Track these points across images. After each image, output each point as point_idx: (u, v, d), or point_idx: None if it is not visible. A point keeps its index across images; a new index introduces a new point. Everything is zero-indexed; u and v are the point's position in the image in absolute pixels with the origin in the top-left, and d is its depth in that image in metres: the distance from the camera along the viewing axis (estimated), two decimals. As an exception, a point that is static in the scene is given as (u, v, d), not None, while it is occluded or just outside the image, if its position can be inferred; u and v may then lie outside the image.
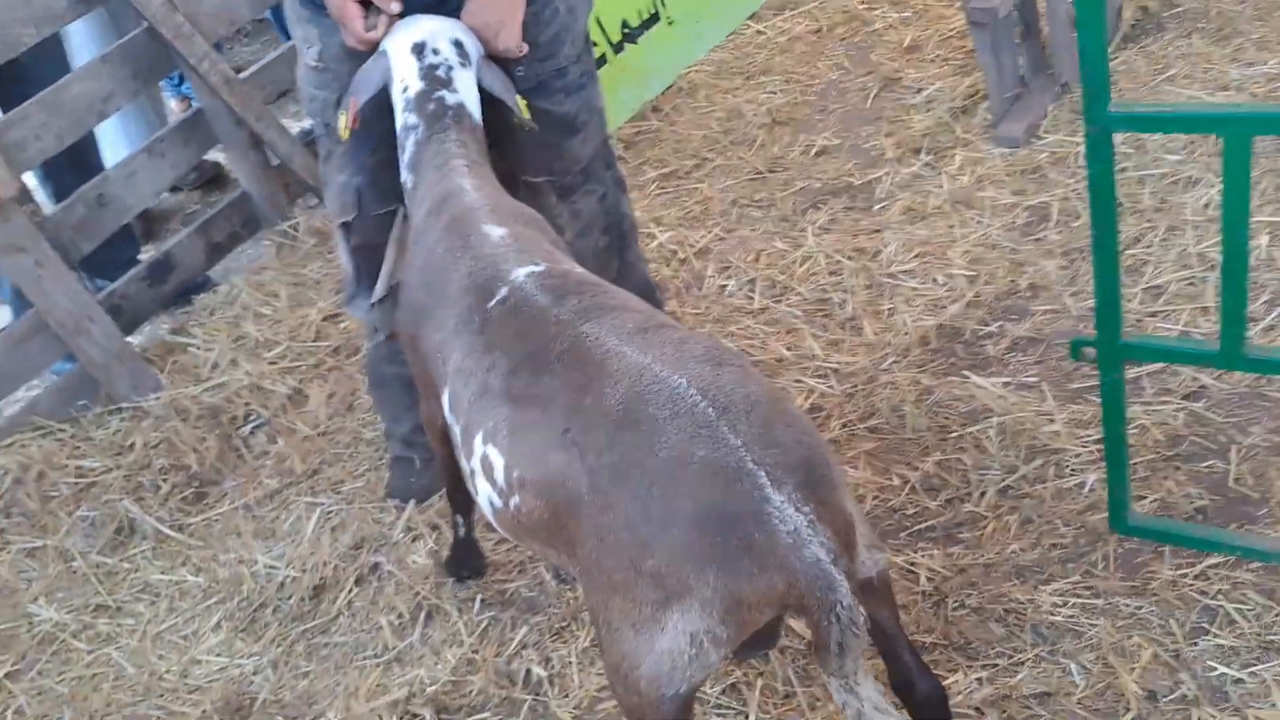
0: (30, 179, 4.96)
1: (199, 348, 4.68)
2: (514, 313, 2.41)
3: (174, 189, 6.10)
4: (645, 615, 2.01)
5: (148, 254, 5.16)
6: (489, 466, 2.33)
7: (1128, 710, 2.65)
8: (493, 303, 2.46)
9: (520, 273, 2.48)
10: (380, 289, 3.42)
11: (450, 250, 2.65)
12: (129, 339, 4.61)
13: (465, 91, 2.99)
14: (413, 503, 3.77)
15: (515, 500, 2.28)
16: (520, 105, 3.08)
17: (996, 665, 2.82)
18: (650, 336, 2.21)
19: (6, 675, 3.55)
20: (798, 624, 2.92)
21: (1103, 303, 2.62)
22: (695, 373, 2.06)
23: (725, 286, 4.38)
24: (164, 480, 4.09)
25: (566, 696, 3.07)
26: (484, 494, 2.39)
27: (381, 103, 3.06)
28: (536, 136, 3.22)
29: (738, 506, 1.92)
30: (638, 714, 2.12)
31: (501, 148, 3.42)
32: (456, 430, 2.49)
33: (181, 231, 5.06)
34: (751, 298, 4.29)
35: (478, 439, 2.36)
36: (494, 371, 2.35)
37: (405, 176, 3.01)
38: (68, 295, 4.26)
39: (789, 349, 3.99)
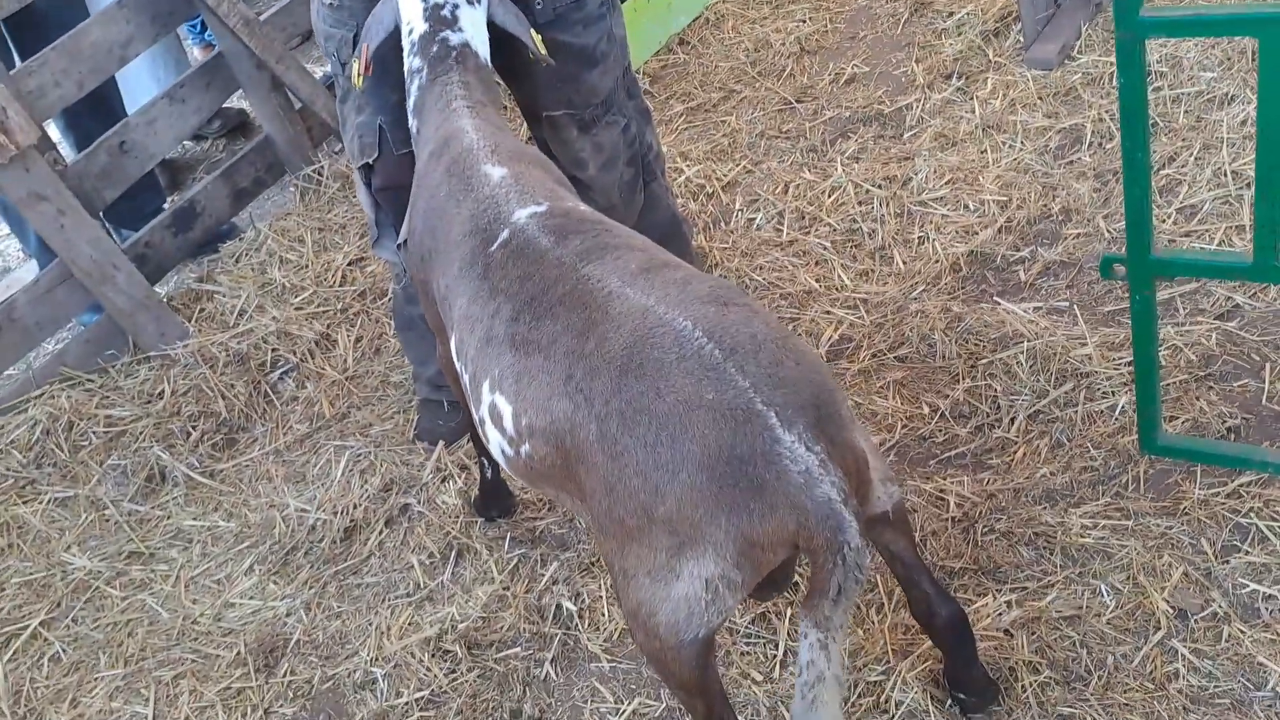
0: (54, 133, 5.03)
1: (225, 295, 4.75)
2: (516, 256, 2.40)
3: (198, 138, 6.15)
4: (660, 562, 2.03)
5: (172, 204, 5.22)
6: (498, 415, 2.34)
7: (1158, 629, 2.68)
8: (495, 246, 2.46)
9: (522, 214, 2.48)
10: (406, 230, 3.45)
11: (452, 193, 2.65)
12: (155, 288, 4.67)
13: (471, 30, 2.98)
14: (441, 444, 3.82)
15: (526, 448, 2.30)
16: (536, 40, 3.07)
17: (1026, 588, 2.85)
18: (653, 277, 2.20)
19: (41, 623, 3.65)
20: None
21: (1133, 216, 2.60)
22: (700, 314, 2.06)
23: (753, 220, 4.39)
24: (193, 427, 4.17)
25: (597, 630, 3.13)
26: (495, 442, 2.41)
27: (400, 42, 3.07)
28: (554, 70, 3.23)
29: (748, 448, 1.92)
30: (659, 658, 2.16)
31: (519, 83, 3.44)
32: (465, 378, 2.51)
33: (205, 178, 5.11)
34: (780, 230, 4.29)
35: (485, 387, 2.37)
36: (498, 318, 2.35)
37: (411, 121, 3.03)
38: (92, 244, 4.32)
39: (818, 281, 4.00)
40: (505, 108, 5.32)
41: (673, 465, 1.96)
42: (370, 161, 3.41)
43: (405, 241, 2.96)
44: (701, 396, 1.95)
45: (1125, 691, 2.60)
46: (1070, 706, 2.60)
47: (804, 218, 4.32)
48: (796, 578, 2.91)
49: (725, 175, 4.66)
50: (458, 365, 2.56)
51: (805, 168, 4.56)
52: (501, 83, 3.37)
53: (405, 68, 3.03)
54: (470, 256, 2.50)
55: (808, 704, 2.04)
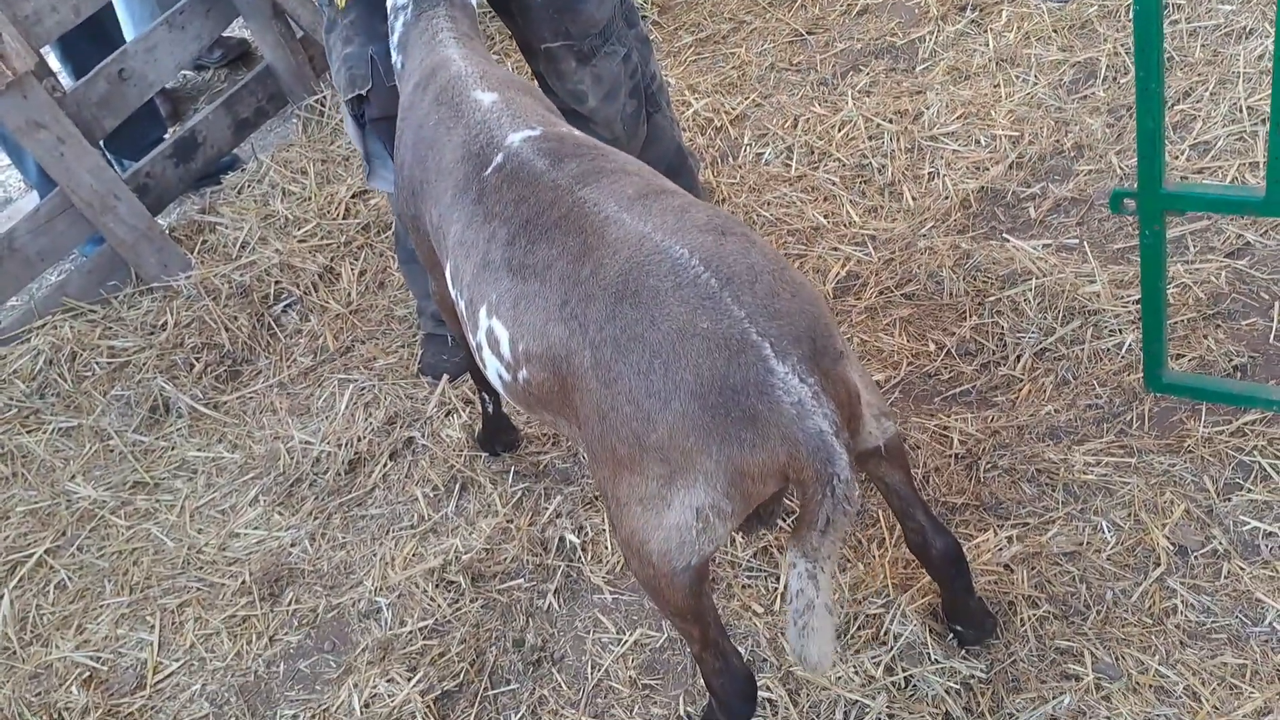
0: (54, 63, 5.06)
1: (228, 227, 4.81)
2: (511, 179, 2.41)
3: (199, 68, 6.17)
4: (651, 491, 2.08)
5: (173, 134, 5.26)
6: (495, 340, 2.37)
7: (1157, 565, 2.76)
8: (489, 170, 2.47)
9: (516, 138, 2.49)
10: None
11: (441, 121, 2.66)
12: (157, 219, 4.73)
13: None
14: (445, 378, 3.89)
15: (523, 373, 2.33)
16: None
17: (1027, 524, 2.93)
18: (650, 203, 2.22)
19: (47, 551, 3.76)
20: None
21: (1145, 149, 2.61)
22: (697, 242, 2.08)
23: (762, 154, 4.43)
24: (197, 359, 4.24)
25: (599, 563, 3.21)
26: (492, 368, 2.44)
27: None
28: (550, 1, 3.24)
29: (741, 378, 1.95)
30: (653, 585, 2.22)
31: (514, 17, 3.45)
32: (461, 305, 2.52)
33: (206, 108, 5.15)
34: (789, 165, 4.33)
35: (482, 312, 2.39)
36: (494, 242, 2.37)
37: (395, 58, 3.04)
38: (92, 173, 4.37)
39: (826, 217, 4.05)
40: (503, 40, 5.36)
41: (665, 393, 1.99)
42: (364, 93, 3.42)
43: (397, 190, 2.96)
44: (696, 325, 1.98)
45: (1123, 626, 2.68)
46: (1068, 640, 2.68)
47: (813, 152, 4.35)
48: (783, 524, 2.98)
49: (734, 109, 4.69)
50: (453, 292, 2.58)
51: (815, 101, 4.59)
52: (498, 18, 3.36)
53: (389, 4, 3.04)
54: (464, 182, 2.52)
55: (799, 631, 2.11)
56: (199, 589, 3.50)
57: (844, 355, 2.14)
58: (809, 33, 5.00)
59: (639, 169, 2.41)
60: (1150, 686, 2.55)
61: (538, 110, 2.65)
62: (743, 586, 3.00)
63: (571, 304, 2.15)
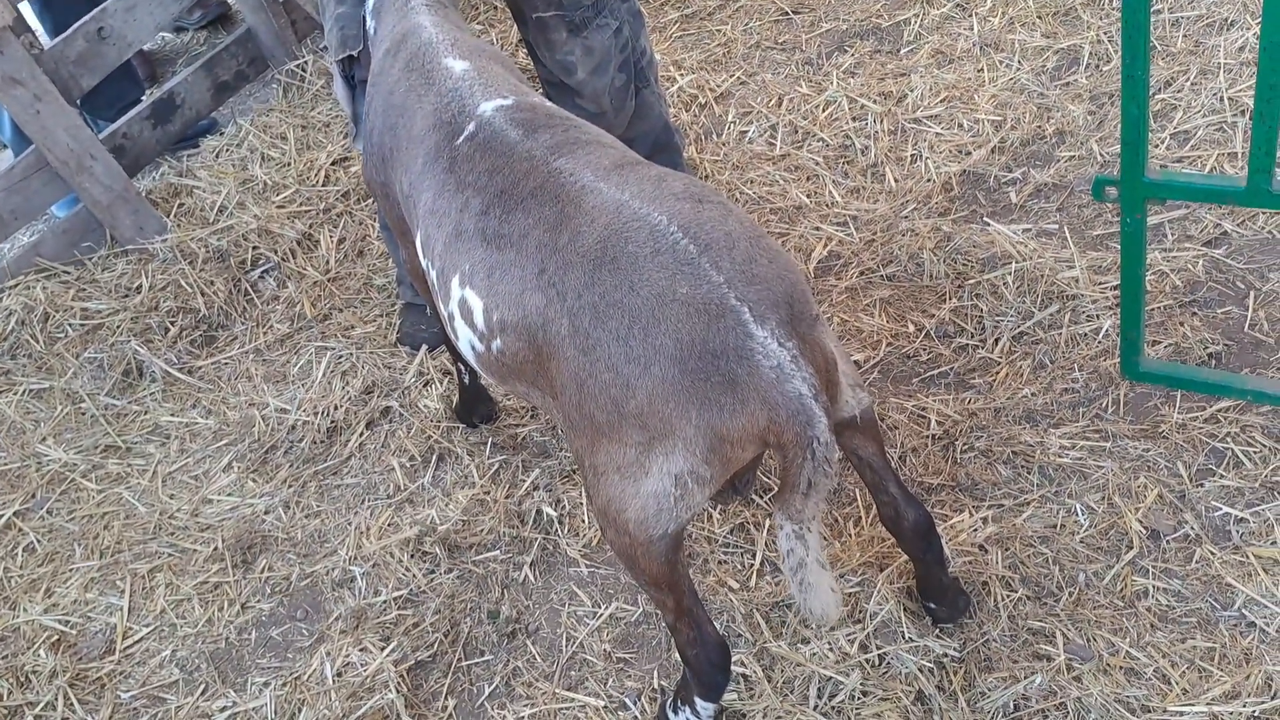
0: (32, 19, 5.02)
1: (205, 191, 4.79)
2: (484, 149, 2.42)
3: (178, 29, 6.13)
4: (630, 458, 2.10)
5: (151, 95, 5.23)
6: (468, 310, 2.37)
7: (1130, 549, 2.80)
8: (461, 139, 2.47)
9: (488, 107, 2.49)
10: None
11: (412, 88, 2.66)
12: (133, 181, 4.69)
13: None
14: (424, 348, 3.90)
15: (497, 343, 2.34)
16: None
17: (1002, 505, 2.97)
18: (627, 173, 2.23)
19: (16, 513, 3.75)
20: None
21: (1128, 136, 2.64)
22: (675, 209, 2.10)
23: (746, 132, 4.44)
24: (172, 323, 4.23)
25: (576, 536, 3.24)
26: (465, 338, 2.44)
27: None
28: (543, -31, 3.25)
29: (720, 343, 1.97)
30: (629, 554, 2.25)
31: (507, -17, 3.45)
32: (433, 275, 2.52)
33: (185, 70, 5.12)
34: (773, 144, 4.35)
35: (454, 282, 2.39)
36: (466, 212, 2.37)
37: (370, 23, 3.03)
38: (68, 132, 4.34)
39: (809, 196, 4.07)
40: (495, 7, 5.35)
41: (645, 359, 2.00)
42: (355, 53, 3.39)
43: (365, 158, 2.94)
44: (675, 291, 2.00)
45: (1095, 608, 2.72)
46: (1040, 621, 2.72)
47: (797, 132, 4.37)
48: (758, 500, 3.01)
49: (719, 86, 4.70)
50: (424, 262, 2.57)
51: (800, 80, 4.61)
52: None
53: None
54: (434, 151, 2.51)
55: (799, 588, 2.16)
56: (170, 555, 3.50)
57: (820, 322, 2.17)
58: (795, 12, 5.02)
59: (613, 142, 2.42)
60: (1120, 668, 2.60)
61: (509, 80, 2.65)
62: (719, 562, 3.03)
63: (549, 272, 2.16)
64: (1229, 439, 2.95)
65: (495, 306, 2.29)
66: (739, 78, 4.74)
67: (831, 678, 2.70)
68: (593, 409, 2.10)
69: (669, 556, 2.23)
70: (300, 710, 3.00)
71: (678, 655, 2.62)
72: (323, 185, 4.71)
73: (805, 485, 2.01)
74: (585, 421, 2.14)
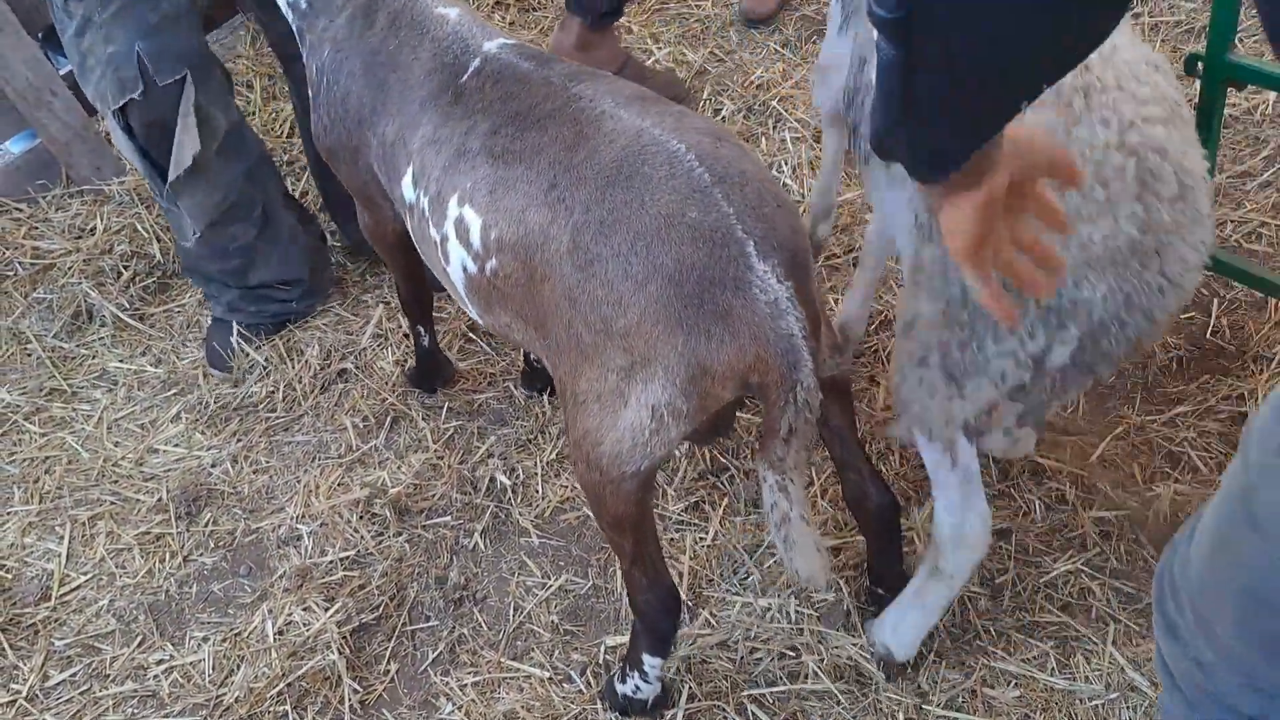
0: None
1: (165, 136, 4.73)
2: (495, 79, 2.46)
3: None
4: (610, 385, 2.13)
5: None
6: (464, 229, 2.39)
7: (1084, 548, 2.86)
8: (466, 76, 2.51)
9: (492, 45, 2.54)
10: (181, 164, 3.37)
11: (405, 41, 2.66)
12: (93, 120, 4.65)
13: None
14: (381, 308, 3.89)
15: (491, 263, 2.35)
16: None
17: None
18: (648, 105, 2.28)
19: (-46, 451, 3.72)
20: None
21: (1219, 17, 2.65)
22: (694, 140, 2.14)
23: (720, 110, 4.46)
24: (125, 267, 4.20)
25: (529, 506, 3.26)
26: (456, 260, 2.45)
27: None
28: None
29: (720, 272, 2.01)
30: (596, 491, 2.28)
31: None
32: (423, 203, 2.53)
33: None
34: (747, 124, 4.37)
35: (452, 202, 2.41)
36: (472, 134, 2.40)
37: (289, 16, 2.95)
38: (28, 64, 4.29)
39: (781, 179, 4.09)
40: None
41: (643, 275, 2.04)
42: (136, 96, 3.29)
43: (324, 126, 2.90)
44: (684, 214, 2.04)
45: (1046, 603, 2.77)
46: (990, 619, 2.77)
47: (771, 113, 4.39)
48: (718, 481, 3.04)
49: (695, 62, 4.71)
50: (410, 196, 2.58)
51: (777, 61, 4.63)
52: None
53: None
54: (437, 90, 2.54)
55: (785, 545, 2.19)
56: (112, 503, 3.49)
57: (813, 277, 2.20)
58: (776, -8, 5.03)
59: (633, 84, 2.44)
60: (1070, 666, 2.65)
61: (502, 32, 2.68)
62: (670, 540, 3.06)
63: (560, 187, 2.19)
64: (1186, 443, 3.00)
65: (494, 224, 2.31)
66: (716, 55, 4.75)
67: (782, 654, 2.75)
68: (581, 328, 2.14)
69: (638, 496, 2.26)
70: (239, 667, 3.00)
71: (629, 612, 2.66)
72: (288, 138, 4.69)
73: (786, 430, 2.06)
74: (572, 343, 2.17)
